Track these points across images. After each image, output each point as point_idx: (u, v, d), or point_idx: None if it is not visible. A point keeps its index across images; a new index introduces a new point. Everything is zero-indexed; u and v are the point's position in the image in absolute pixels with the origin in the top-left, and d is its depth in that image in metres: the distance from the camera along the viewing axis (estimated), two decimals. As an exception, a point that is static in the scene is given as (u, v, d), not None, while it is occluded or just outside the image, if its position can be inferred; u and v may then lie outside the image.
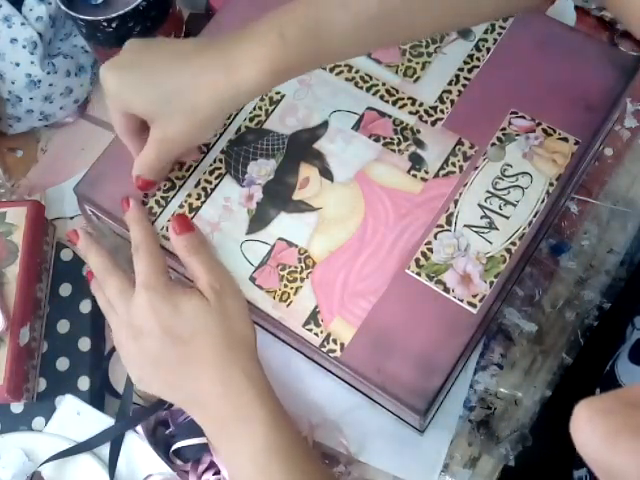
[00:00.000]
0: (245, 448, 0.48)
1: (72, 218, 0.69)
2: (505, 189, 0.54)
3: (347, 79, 0.59)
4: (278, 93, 0.59)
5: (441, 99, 0.58)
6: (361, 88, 0.59)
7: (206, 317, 0.51)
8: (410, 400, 0.50)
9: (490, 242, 0.53)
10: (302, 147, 0.57)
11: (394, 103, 0.58)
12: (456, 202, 0.54)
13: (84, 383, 0.61)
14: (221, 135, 0.58)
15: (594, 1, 0.52)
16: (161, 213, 0.56)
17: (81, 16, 0.61)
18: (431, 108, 0.58)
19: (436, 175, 0.55)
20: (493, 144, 0.56)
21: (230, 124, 0.59)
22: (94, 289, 0.55)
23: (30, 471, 0.57)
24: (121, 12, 0.60)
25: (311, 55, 0.48)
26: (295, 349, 0.57)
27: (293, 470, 0.48)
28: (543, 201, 0.54)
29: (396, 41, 0.55)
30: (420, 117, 0.57)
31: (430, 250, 0.53)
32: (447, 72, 0.59)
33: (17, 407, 0.61)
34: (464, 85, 0.58)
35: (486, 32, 0.60)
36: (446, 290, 0.52)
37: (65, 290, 0.64)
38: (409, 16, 0.48)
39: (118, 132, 0.54)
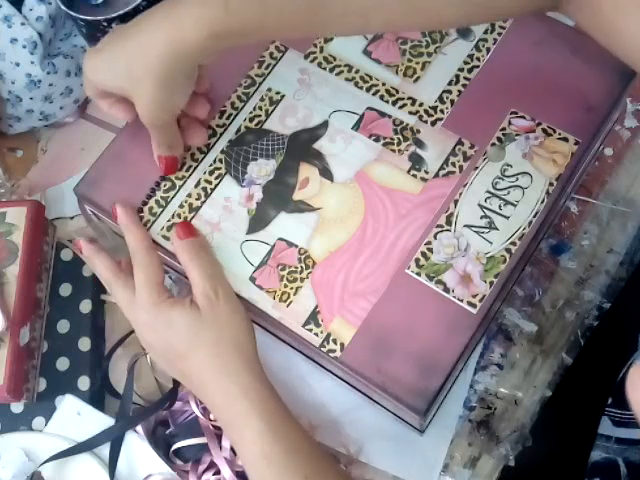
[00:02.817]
0: (244, 454, 0.50)
1: (72, 218, 0.69)
2: (505, 189, 0.54)
3: (347, 79, 0.59)
4: (278, 93, 0.59)
5: (441, 99, 0.58)
6: (361, 88, 0.59)
7: (197, 329, 0.51)
8: (410, 400, 0.50)
9: (490, 242, 0.53)
10: (302, 147, 0.57)
11: (394, 103, 0.58)
12: (456, 202, 0.54)
13: (84, 383, 0.61)
14: (221, 135, 0.58)
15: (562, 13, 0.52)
16: (161, 213, 0.56)
17: (81, 16, 0.61)
18: (431, 108, 0.58)
19: (436, 175, 0.55)
20: (493, 144, 0.56)
21: (230, 124, 0.59)
22: (89, 260, 0.56)
23: (30, 471, 0.57)
24: (121, 12, 0.60)
25: (255, 23, 0.48)
26: (295, 349, 0.57)
27: (292, 477, 0.48)
28: (543, 201, 0.54)
29: (350, 26, 0.52)
30: (420, 117, 0.57)
31: (430, 250, 0.53)
32: (447, 72, 0.59)
33: (17, 407, 0.61)
34: (464, 85, 0.58)
35: (486, 32, 0.60)
36: (446, 290, 0.52)
37: (65, 290, 0.64)
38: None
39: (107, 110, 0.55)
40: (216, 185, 0.57)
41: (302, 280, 0.54)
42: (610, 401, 0.64)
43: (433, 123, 0.57)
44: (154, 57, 0.49)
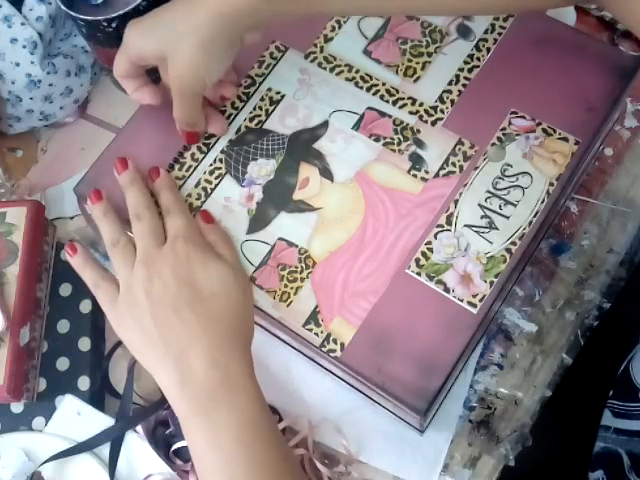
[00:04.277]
0: (231, 420, 0.47)
1: (72, 218, 0.69)
2: (505, 189, 0.54)
3: (347, 79, 0.59)
4: (278, 93, 0.59)
5: (441, 99, 0.58)
6: (361, 88, 0.59)
7: (229, 285, 0.51)
8: (410, 400, 0.50)
9: (490, 242, 0.53)
10: (302, 147, 0.58)
11: (394, 103, 0.58)
12: (456, 202, 0.54)
13: (84, 383, 0.61)
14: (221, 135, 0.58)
15: (594, 2, 0.53)
16: (161, 213, 0.56)
17: (81, 16, 0.61)
18: (431, 108, 0.58)
19: (436, 175, 0.56)
20: (493, 144, 0.56)
21: (230, 124, 0.59)
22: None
23: (30, 471, 0.57)
24: (121, 12, 0.60)
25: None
26: (295, 349, 0.57)
27: (275, 450, 0.48)
28: (543, 201, 0.54)
29: (392, 9, 0.55)
30: (420, 117, 0.57)
31: (430, 250, 0.53)
32: (447, 72, 0.59)
33: (17, 407, 0.61)
34: (464, 85, 0.58)
35: (486, 32, 0.60)
36: (446, 290, 0.52)
37: (65, 290, 0.64)
38: None
39: (130, 89, 0.56)
40: (216, 185, 0.57)
41: (302, 280, 0.54)
42: (611, 393, 0.64)
43: (433, 123, 0.57)
44: (201, 17, 0.49)
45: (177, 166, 0.58)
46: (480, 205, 0.54)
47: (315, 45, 0.61)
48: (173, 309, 0.49)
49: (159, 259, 0.51)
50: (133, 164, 0.56)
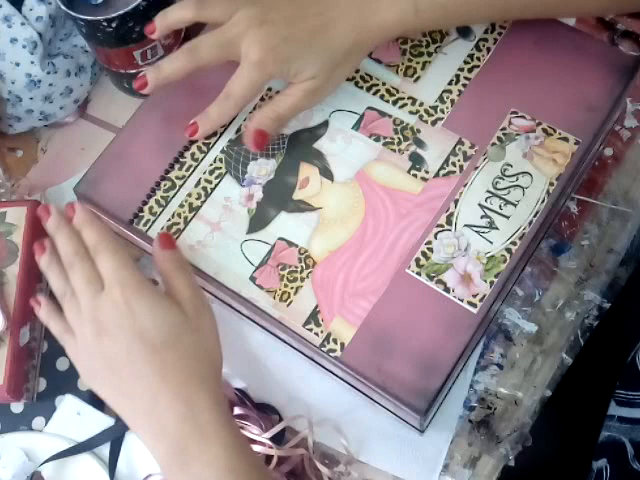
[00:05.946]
0: (206, 472, 0.46)
1: (72, 218, 0.69)
2: (505, 189, 0.55)
3: (347, 79, 0.59)
4: (278, 92, 0.59)
5: (441, 99, 0.58)
6: (361, 88, 0.59)
7: (182, 329, 0.48)
8: (410, 400, 0.50)
9: (490, 242, 0.53)
10: (302, 147, 0.58)
11: (394, 103, 0.58)
12: (456, 202, 0.55)
13: (84, 383, 0.61)
14: (221, 135, 0.58)
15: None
16: (161, 213, 0.56)
17: (81, 16, 0.61)
18: (431, 108, 0.58)
19: (436, 175, 0.56)
20: (493, 144, 0.56)
21: (230, 123, 0.59)
22: (44, 266, 0.51)
23: (30, 471, 0.57)
24: (121, 12, 0.60)
25: (436, 21, 0.56)
26: (295, 349, 0.57)
27: None
28: (543, 201, 0.54)
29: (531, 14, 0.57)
30: (420, 117, 0.57)
31: (430, 250, 0.53)
32: (447, 72, 0.59)
33: (17, 407, 0.61)
34: (464, 85, 0.58)
35: (486, 32, 0.60)
36: (446, 290, 0.52)
37: (65, 290, 0.64)
38: None
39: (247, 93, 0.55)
40: (216, 185, 0.57)
41: (302, 280, 0.54)
42: (618, 385, 0.64)
43: (433, 123, 0.57)
44: (342, 31, 0.54)
45: (177, 166, 0.58)
46: (480, 205, 0.54)
47: (315, 45, 0.61)
48: (129, 366, 0.47)
49: (100, 311, 0.48)
50: (55, 209, 0.52)
